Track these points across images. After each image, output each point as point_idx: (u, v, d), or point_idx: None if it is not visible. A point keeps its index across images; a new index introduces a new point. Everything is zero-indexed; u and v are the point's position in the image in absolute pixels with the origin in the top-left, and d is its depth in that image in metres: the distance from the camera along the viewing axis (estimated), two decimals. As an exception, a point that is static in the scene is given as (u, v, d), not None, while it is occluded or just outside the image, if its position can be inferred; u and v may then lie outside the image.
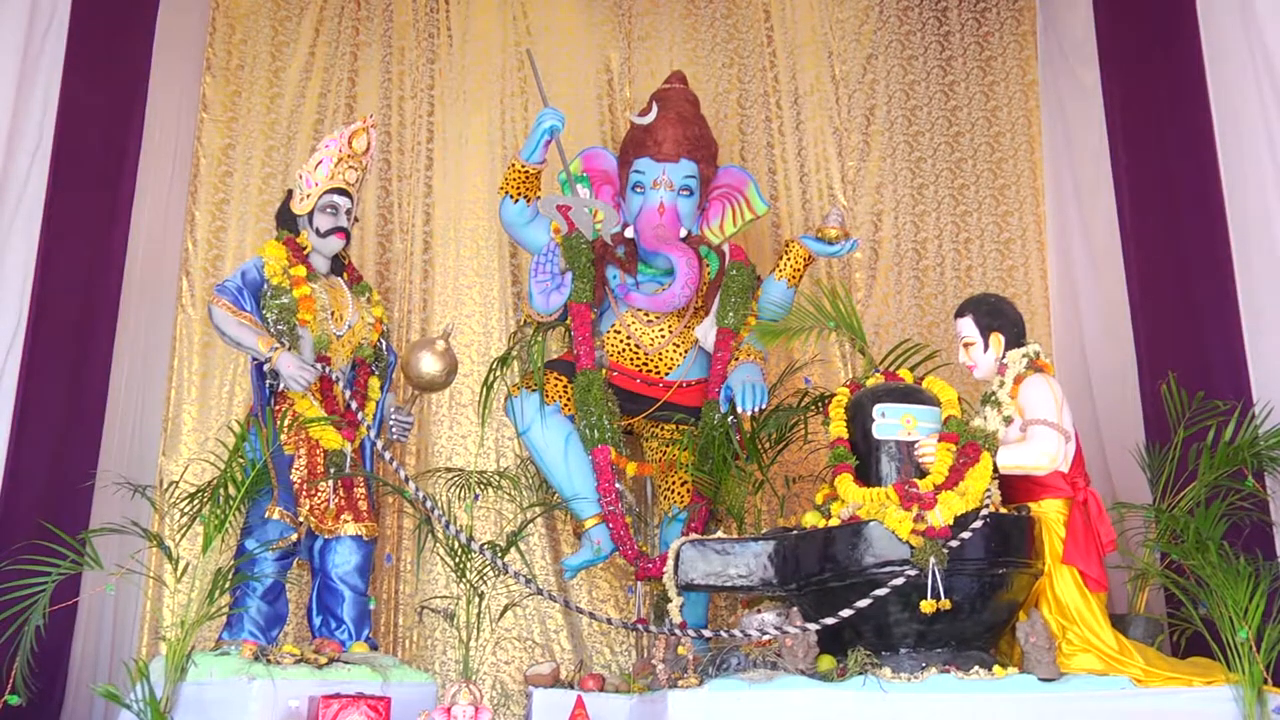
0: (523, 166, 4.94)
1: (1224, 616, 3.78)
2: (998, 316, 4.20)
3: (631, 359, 5.04)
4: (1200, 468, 4.27)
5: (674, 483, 4.99)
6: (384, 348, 4.77)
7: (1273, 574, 3.95)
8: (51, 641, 4.14)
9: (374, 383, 4.68)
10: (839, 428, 4.09)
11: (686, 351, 5.08)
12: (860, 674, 3.61)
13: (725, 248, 5.18)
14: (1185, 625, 4.07)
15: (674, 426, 5.01)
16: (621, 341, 5.06)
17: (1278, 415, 4.23)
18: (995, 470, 3.86)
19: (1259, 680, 3.65)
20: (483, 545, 4.42)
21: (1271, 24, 4.41)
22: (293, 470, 4.31)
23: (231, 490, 4.05)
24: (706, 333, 5.07)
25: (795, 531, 3.99)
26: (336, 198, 4.57)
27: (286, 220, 4.63)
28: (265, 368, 4.32)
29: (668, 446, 5.01)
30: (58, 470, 4.54)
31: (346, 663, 4.06)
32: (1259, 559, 3.97)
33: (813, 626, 3.72)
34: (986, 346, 4.17)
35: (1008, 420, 4.00)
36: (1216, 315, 4.60)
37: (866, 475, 3.96)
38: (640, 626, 4.59)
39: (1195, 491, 4.25)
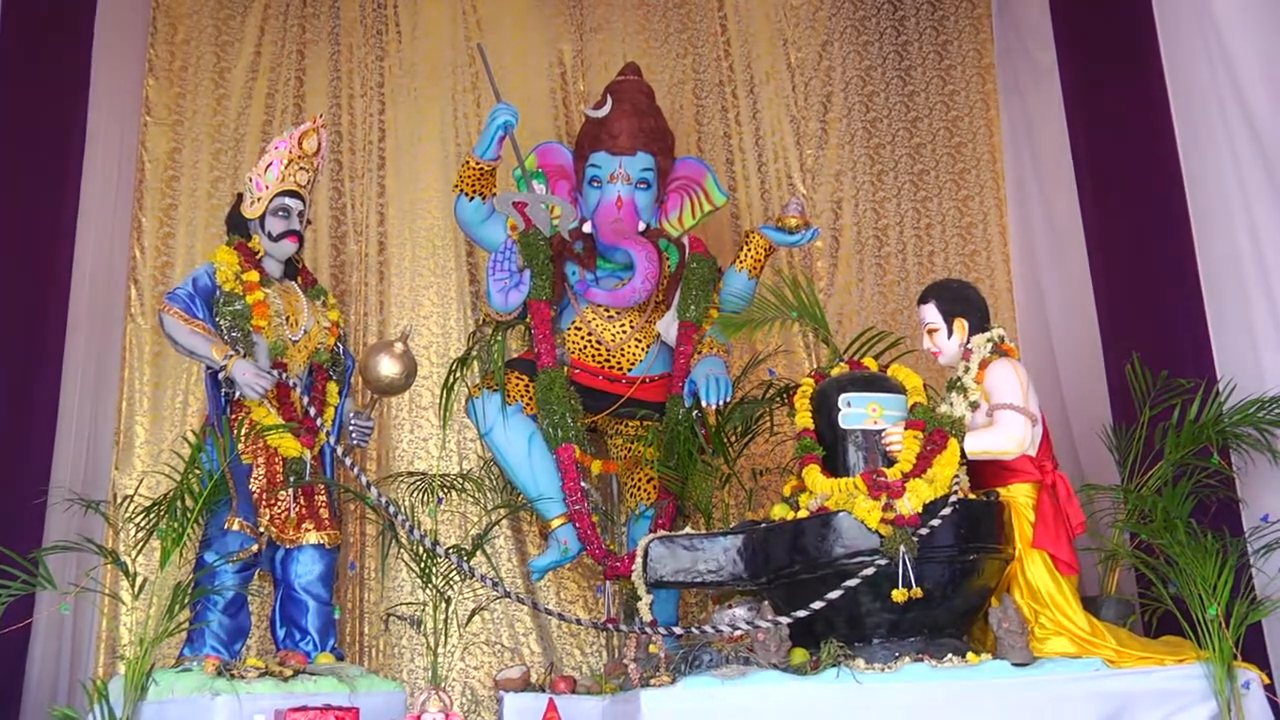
0: (477, 163, 4.86)
1: (1193, 594, 3.81)
2: (961, 302, 4.20)
3: (593, 355, 4.99)
4: (1166, 447, 4.27)
5: (640, 479, 4.95)
6: (341, 352, 4.69)
7: (1240, 550, 3.97)
8: (5, 664, 4.07)
9: (332, 388, 4.59)
10: (804, 419, 4.08)
11: (649, 347, 5.04)
12: (834, 666, 3.60)
13: (685, 240, 5.13)
14: (1156, 605, 4.08)
15: (638, 423, 4.96)
16: (582, 338, 5.00)
17: (1241, 392, 4.24)
18: (963, 456, 3.85)
19: (1229, 656, 3.67)
20: (448, 549, 4.36)
21: (1221, -1, 4.43)
22: (251, 480, 4.23)
23: (189, 502, 3.96)
24: (668, 327, 5.02)
25: (764, 525, 3.97)
26: (288, 200, 4.49)
27: (237, 225, 4.55)
28: (220, 376, 4.23)
29: (632, 443, 4.97)
30: (7, 487, 4.42)
31: (312, 674, 4.00)
32: (1226, 536, 3.99)
33: (784, 620, 3.70)
34: (950, 332, 4.17)
35: (974, 406, 3.99)
36: (1178, 294, 4.61)
37: (834, 466, 3.94)
38: (610, 626, 4.56)
39: (1162, 471, 4.26)
